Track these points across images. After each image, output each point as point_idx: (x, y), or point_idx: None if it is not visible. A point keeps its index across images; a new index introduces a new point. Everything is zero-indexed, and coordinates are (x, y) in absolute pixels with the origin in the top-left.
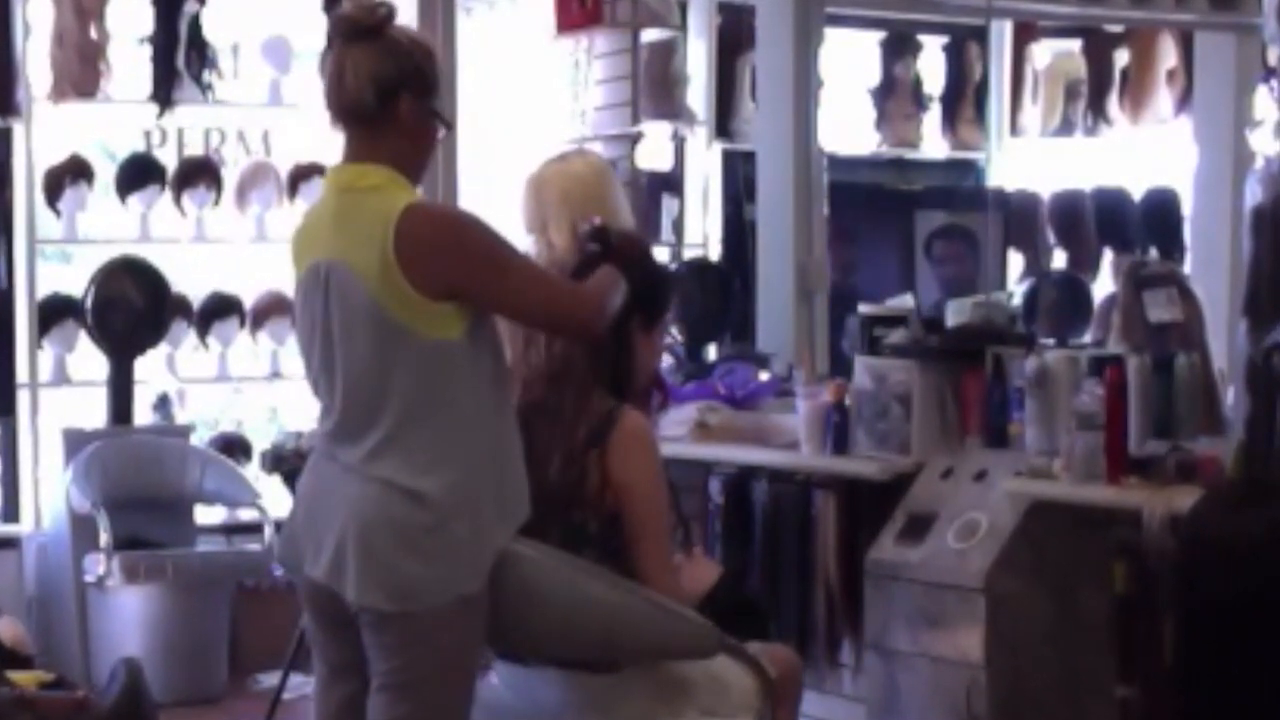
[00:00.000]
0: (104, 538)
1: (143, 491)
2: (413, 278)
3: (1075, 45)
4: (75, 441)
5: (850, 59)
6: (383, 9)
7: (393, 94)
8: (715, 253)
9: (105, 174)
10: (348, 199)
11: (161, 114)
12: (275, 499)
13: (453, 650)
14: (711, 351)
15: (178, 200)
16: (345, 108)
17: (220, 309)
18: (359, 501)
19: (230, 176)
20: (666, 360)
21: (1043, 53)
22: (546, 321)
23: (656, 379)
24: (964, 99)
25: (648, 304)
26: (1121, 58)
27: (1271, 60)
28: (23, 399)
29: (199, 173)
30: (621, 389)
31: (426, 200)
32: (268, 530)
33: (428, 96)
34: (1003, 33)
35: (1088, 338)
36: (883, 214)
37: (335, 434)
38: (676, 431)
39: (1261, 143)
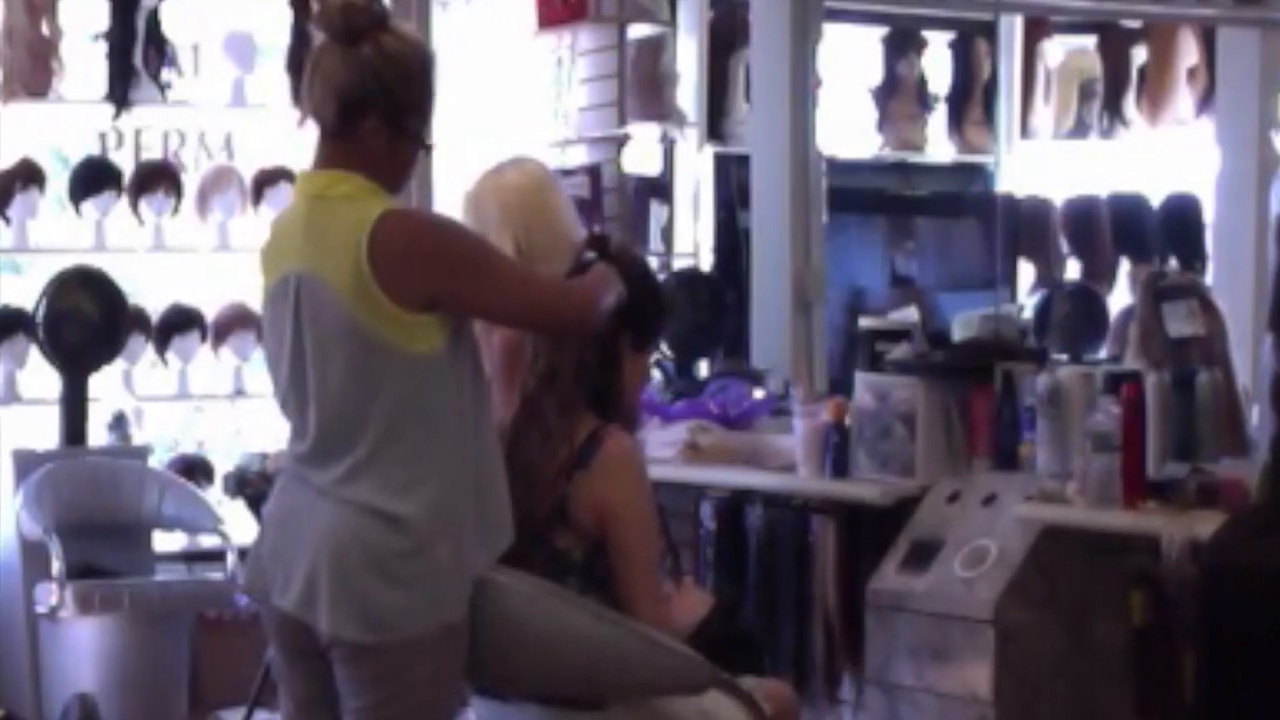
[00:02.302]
0: (56, 566)
1: (97, 516)
2: (390, 289)
3: (1090, 42)
4: (26, 463)
5: (850, 56)
6: (365, 15)
7: (356, 112)
8: (706, 263)
9: (58, 179)
10: (319, 207)
11: (118, 115)
12: (239, 525)
13: (432, 684)
14: (703, 368)
15: (135, 207)
16: (312, 116)
17: (180, 322)
18: (332, 527)
19: (191, 182)
20: (655, 376)
21: (1055, 50)
22: (536, 322)
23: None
24: (971, 99)
25: (640, 322)
26: (1139, 55)
27: None
28: None
29: (157, 178)
30: (607, 409)
31: (402, 207)
32: (230, 558)
33: (398, 118)
34: (1013, 28)
35: (1103, 353)
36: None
37: (308, 457)
38: (666, 453)
39: None
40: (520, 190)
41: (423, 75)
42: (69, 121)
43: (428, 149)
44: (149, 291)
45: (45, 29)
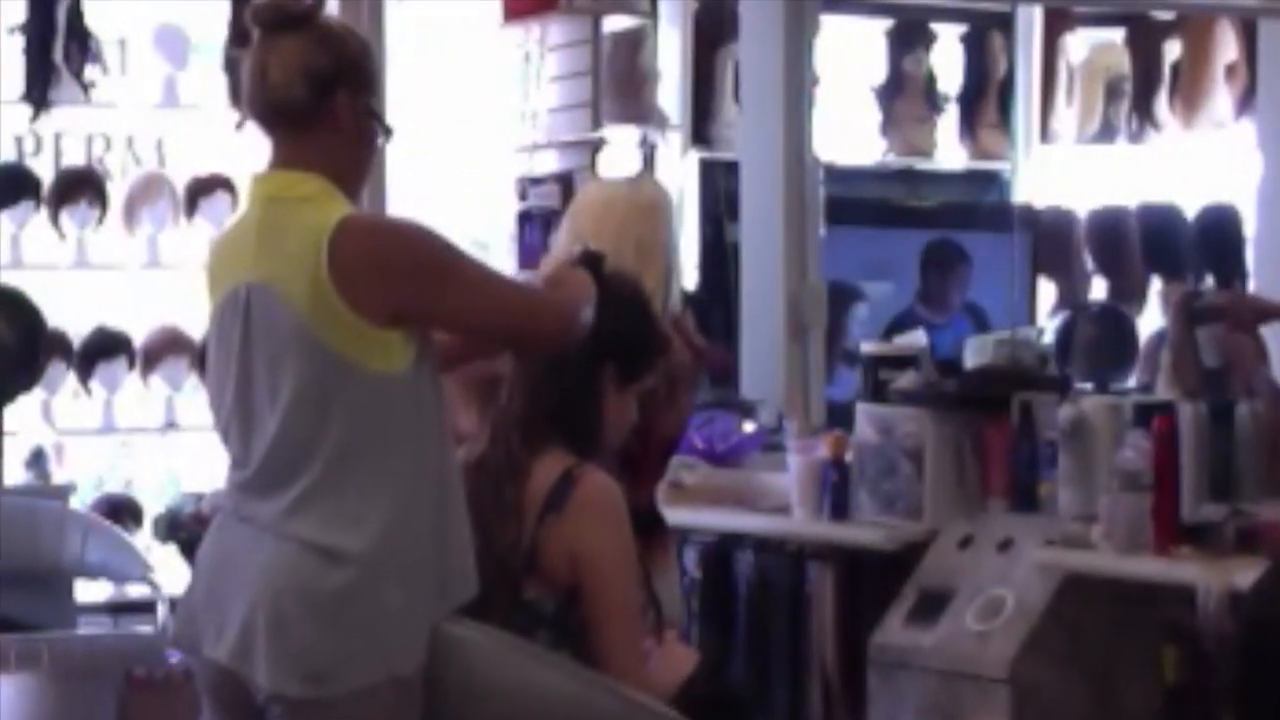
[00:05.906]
0: None
1: (13, 564)
2: (352, 300)
3: (1117, 35)
4: None
5: (851, 52)
6: None
7: (328, 89)
8: (691, 280)
9: None
10: (275, 211)
11: (36, 117)
12: (170, 573)
13: None
14: None
15: (55, 219)
16: (272, 107)
17: (105, 347)
18: (271, 567)
19: (117, 191)
20: None
21: (1079, 45)
22: (506, 331)
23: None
24: (986, 99)
25: (628, 355)
26: (1172, 50)
27: None
28: None
29: (80, 186)
30: (585, 447)
31: (365, 211)
32: (161, 609)
33: (366, 95)
34: (1031, 21)
35: (1132, 381)
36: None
37: (250, 486)
38: None
39: None
40: (602, 206)
41: (372, 53)
42: None
43: (389, 132)
44: (71, 313)
45: None
